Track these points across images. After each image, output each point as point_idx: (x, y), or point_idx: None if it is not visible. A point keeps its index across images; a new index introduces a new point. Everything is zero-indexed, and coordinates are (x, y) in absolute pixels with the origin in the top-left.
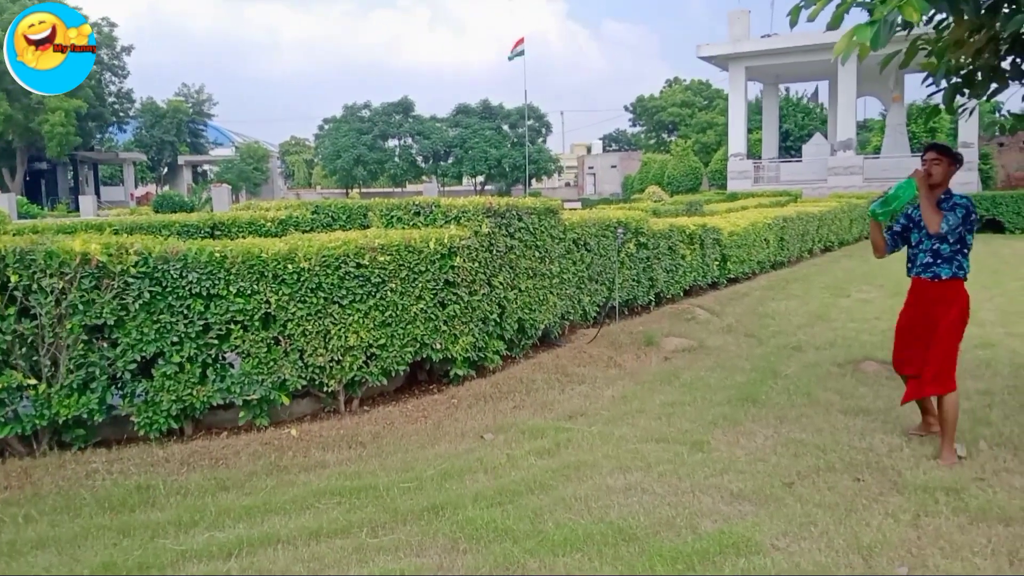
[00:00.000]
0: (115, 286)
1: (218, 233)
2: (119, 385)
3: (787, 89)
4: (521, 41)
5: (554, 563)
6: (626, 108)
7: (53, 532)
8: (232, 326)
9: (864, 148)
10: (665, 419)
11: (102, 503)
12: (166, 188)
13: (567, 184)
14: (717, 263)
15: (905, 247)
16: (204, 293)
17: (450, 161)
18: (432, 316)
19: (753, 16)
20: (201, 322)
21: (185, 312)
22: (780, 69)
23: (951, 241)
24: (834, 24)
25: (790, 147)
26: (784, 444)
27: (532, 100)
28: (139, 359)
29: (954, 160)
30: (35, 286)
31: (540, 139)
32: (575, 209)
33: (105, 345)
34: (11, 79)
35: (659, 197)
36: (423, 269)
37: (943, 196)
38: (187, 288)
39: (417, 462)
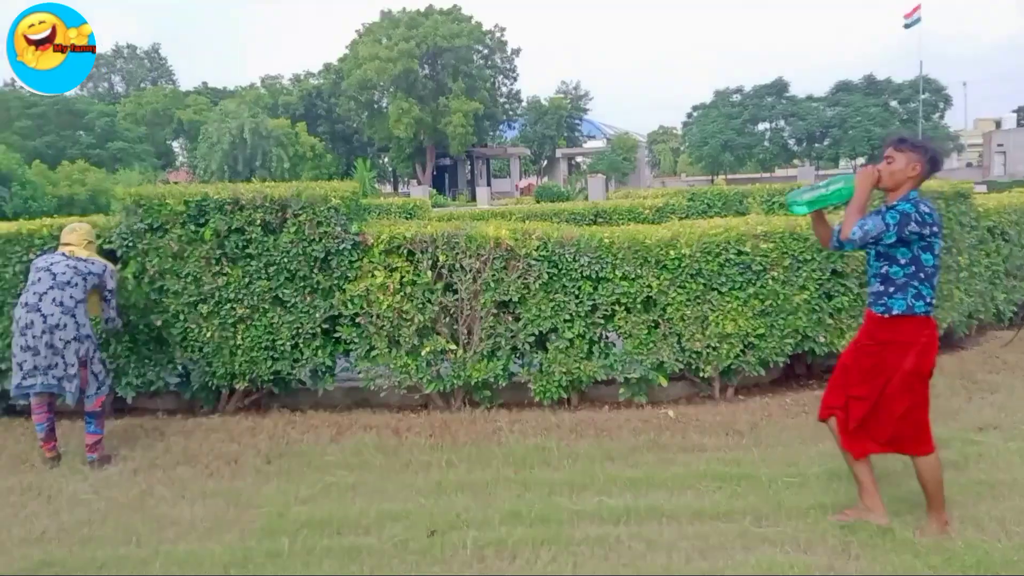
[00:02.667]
0: (520, 267)
1: (600, 220)
2: (519, 355)
3: None
4: (918, 8)
5: None
6: None
7: (469, 478)
8: (616, 307)
9: None
10: None
11: (507, 458)
12: (545, 179)
13: (968, 164)
14: None
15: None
16: (593, 276)
17: (826, 143)
18: (816, 308)
19: None
20: (590, 302)
21: (576, 292)
22: None
23: (903, 263)
24: None
25: None
26: None
27: (928, 71)
28: (536, 333)
29: (918, 156)
30: (458, 265)
31: (936, 114)
32: (983, 193)
33: (510, 319)
34: (422, 86)
35: None
36: (808, 258)
37: (896, 202)
38: (579, 271)
39: (800, 458)
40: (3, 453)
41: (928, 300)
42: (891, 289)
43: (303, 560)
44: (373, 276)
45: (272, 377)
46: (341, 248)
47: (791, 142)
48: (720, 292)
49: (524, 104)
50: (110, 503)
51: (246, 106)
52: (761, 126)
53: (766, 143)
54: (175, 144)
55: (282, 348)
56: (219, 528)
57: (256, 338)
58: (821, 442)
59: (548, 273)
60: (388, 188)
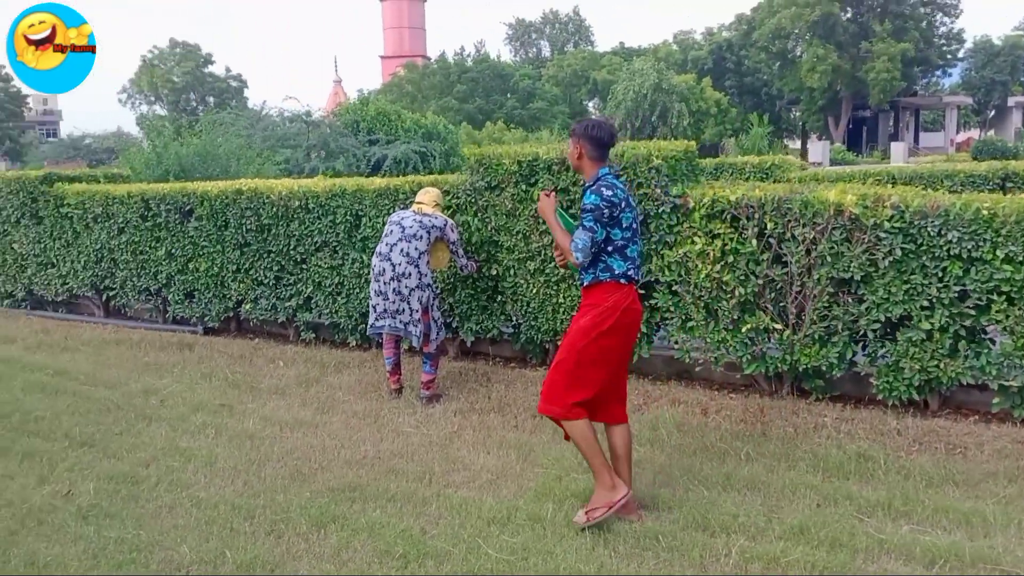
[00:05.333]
0: (865, 240)
1: (1010, 185)
2: (860, 343)
3: None
4: None
5: None
6: None
7: (765, 477)
8: (994, 296)
9: None
10: None
11: (819, 461)
12: (990, 133)
13: None
14: None
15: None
16: (964, 256)
17: None
18: None
19: None
20: (957, 288)
21: (939, 275)
22: None
23: (597, 241)
24: None
25: None
26: None
27: None
28: (883, 319)
29: (575, 138)
30: (788, 234)
31: None
32: None
33: (850, 300)
34: (843, 30)
35: None
36: None
37: (589, 184)
38: (944, 248)
39: None
40: (363, 381)
41: (616, 271)
42: (587, 263)
43: (558, 532)
44: (692, 242)
45: None
46: (660, 211)
47: None
48: None
49: (968, 45)
50: (424, 439)
51: (652, 63)
52: None
53: None
54: (590, 104)
55: None
56: (500, 480)
57: (576, 298)
58: None
59: (903, 249)
60: (797, 144)
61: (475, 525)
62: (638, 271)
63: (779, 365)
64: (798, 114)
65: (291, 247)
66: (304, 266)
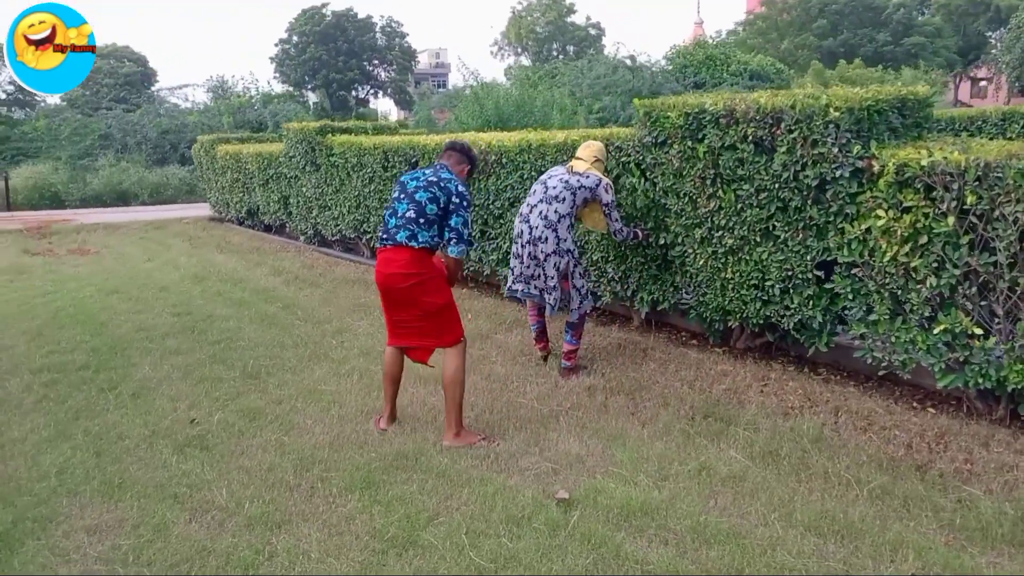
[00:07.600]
0: None
1: None
2: None
3: None
4: None
5: None
6: None
7: (870, 526)
8: None
9: None
10: None
11: (959, 515)
12: None
13: None
14: None
15: None
16: None
17: None
18: None
19: None
20: None
21: None
22: None
23: None
24: None
25: None
26: None
27: None
28: None
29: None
30: (996, 212)
31: None
32: None
33: None
34: None
35: None
36: None
37: None
38: None
39: None
40: (526, 342)
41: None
42: None
43: (563, 545)
44: (876, 216)
45: (763, 321)
46: (837, 175)
47: None
48: None
49: None
50: (529, 414)
51: None
52: None
53: None
54: (991, 36)
55: (771, 290)
56: (561, 472)
57: (745, 274)
58: None
59: None
60: None
61: (489, 520)
62: (386, 235)
63: (981, 380)
64: None
65: (491, 201)
66: (502, 221)
